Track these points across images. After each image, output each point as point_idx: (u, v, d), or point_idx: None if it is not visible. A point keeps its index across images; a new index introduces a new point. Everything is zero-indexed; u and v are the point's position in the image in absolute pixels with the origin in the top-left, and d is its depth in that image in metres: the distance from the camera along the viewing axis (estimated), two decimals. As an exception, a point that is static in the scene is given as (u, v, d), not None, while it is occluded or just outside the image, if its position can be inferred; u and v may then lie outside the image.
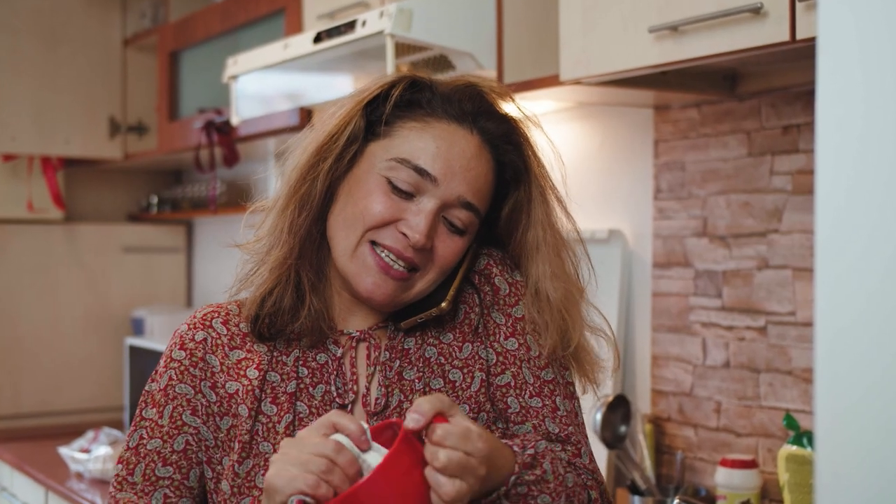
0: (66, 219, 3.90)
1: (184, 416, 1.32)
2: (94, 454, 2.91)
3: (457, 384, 1.34)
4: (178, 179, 4.21)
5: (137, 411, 1.35)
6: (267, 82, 2.79)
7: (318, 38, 2.37)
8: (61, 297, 3.79)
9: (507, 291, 1.37)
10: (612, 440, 2.27)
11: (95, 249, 3.88)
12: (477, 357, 1.35)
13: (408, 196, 1.29)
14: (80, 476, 2.93)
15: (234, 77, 2.79)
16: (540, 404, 1.34)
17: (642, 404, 2.38)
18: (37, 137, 3.63)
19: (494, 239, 1.41)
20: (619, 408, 2.28)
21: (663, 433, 2.34)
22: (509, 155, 1.34)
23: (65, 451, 3.02)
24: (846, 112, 0.83)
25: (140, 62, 3.80)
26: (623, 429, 2.28)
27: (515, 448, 1.24)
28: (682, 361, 2.30)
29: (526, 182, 1.36)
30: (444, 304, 1.34)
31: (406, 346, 1.35)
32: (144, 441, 1.32)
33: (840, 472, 0.82)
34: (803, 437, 1.97)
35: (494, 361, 1.35)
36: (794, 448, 1.97)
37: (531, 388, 1.34)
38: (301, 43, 2.45)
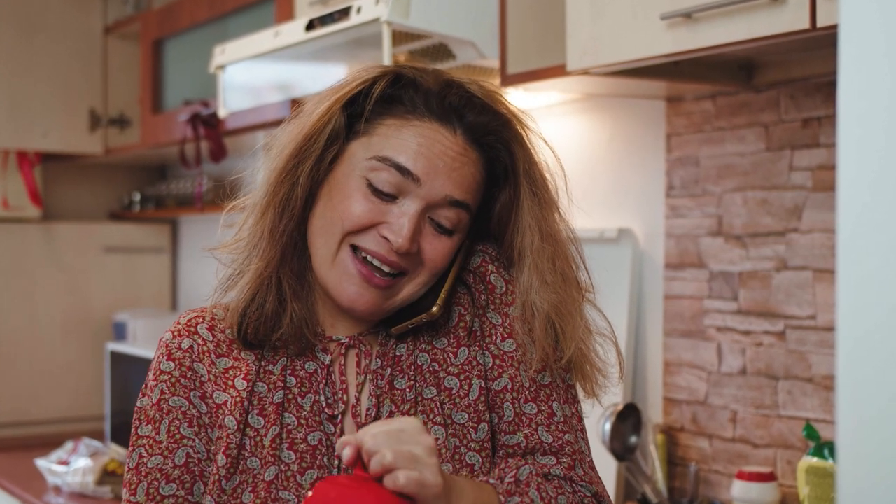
0: (44, 217, 3.90)
1: (181, 430, 1.32)
2: (74, 466, 2.91)
3: (453, 391, 1.34)
4: (163, 175, 4.21)
5: (132, 430, 1.35)
6: (256, 72, 2.79)
7: (310, 26, 2.37)
8: (39, 300, 3.79)
9: (504, 290, 1.36)
10: (622, 451, 2.27)
11: (75, 249, 3.88)
12: (475, 363, 1.35)
13: (389, 198, 1.28)
14: (57, 490, 2.93)
15: (222, 67, 2.79)
16: (535, 410, 1.33)
17: (654, 413, 2.38)
18: (12, 131, 3.63)
19: (488, 235, 1.39)
20: (629, 417, 2.28)
21: (676, 444, 2.34)
22: (497, 151, 1.33)
23: (42, 462, 3.02)
24: (869, 104, 0.83)
25: (122, 51, 3.80)
26: (633, 439, 2.28)
27: (492, 481, 1.25)
28: (696, 368, 2.30)
29: (514, 182, 1.34)
30: (434, 310, 1.33)
31: (398, 353, 1.35)
32: (144, 459, 1.32)
33: (863, 485, 0.82)
34: (824, 447, 1.97)
35: (491, 365, 1.34)
36: (815, 460, 1.97)
37: (527, 392, 1.33)
38: (293, 31, 2.45)
